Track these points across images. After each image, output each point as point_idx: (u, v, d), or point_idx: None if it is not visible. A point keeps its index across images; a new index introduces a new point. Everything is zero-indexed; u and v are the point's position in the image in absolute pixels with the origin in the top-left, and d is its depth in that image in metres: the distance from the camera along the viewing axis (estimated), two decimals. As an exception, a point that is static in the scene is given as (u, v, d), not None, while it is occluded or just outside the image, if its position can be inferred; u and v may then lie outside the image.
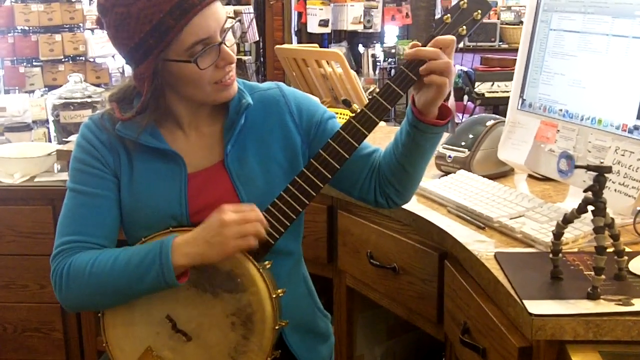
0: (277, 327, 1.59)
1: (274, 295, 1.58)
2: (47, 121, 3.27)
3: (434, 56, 1.50)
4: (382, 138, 2.65)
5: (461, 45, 7.04)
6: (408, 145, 1.59)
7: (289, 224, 1.57)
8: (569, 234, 1.58)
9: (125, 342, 1.61)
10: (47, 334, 2.70)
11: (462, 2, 1.57)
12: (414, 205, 1.93)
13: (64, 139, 2.98)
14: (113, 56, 4.43)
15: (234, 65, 1.59)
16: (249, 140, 1.66)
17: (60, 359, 2.72)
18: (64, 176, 2.63)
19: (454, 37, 1.53)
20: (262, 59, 5.81)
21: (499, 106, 6.36)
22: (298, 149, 1.69)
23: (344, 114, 2.80)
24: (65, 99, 3.02)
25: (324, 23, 5.54)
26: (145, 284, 1.52)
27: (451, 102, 1.58)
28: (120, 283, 1.53)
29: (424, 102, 1.54)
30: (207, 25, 1.49)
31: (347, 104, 1.60)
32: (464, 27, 1.55)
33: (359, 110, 1.55)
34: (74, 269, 1.55)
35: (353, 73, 3.06)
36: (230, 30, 1.57)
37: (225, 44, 1.53)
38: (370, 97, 1.56)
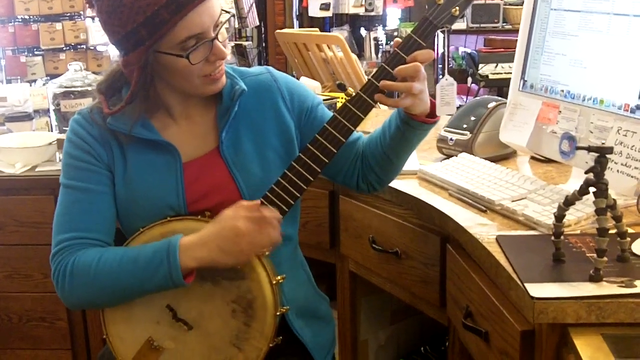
0: (278, 313, 1.59)
1: (274, 282, 1.58)
2: (49, 110, 3.26)
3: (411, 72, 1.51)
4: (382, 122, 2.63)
5: (464, 26, 7.04)
6: (396, 138, 1.63)
7: (287, 210, 1.56)
8: (571, 216, 1.56)
9: (125, 333, 1.61)
10: (52, 324, 2.70)
11: None
12: (415, 189, 1.92)
13: (64, 128, 2.97)
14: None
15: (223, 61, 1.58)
16: (242, 127, 1.66)
17: (66, 348, 2.72)
18: (66, 165, 2.62)
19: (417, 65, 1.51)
20: (264, 44, 5.79)
21: (503, 88, 6.33)
22: (292, 134, 1.70)
23: (345, 99, 2.79)
24: (66, 87, 3.00)
25: (325, 7, 5.51)
26: (153, 284, 1.52)
27: (448, 81, 1.58)
28: (127, 282, 1.53)
29: (407, 110, 1.58)
30: (202, 21, 1.48)
31: (342, 87, 1.59)
32: (457, 7, 1.55)
33: (354, 94, 1.55)
34: (78, 267, 1.54)
35: (354, 56, 3.05)
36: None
37: (217, 39, 1.52)
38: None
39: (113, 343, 1.61)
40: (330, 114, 1.69)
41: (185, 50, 1.49)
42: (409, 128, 1.60)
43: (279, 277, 1.60)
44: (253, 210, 1.51)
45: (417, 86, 1.51)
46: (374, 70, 1.57)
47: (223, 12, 1.54)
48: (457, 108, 2.18)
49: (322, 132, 1.55)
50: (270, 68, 1.76)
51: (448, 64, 7.15)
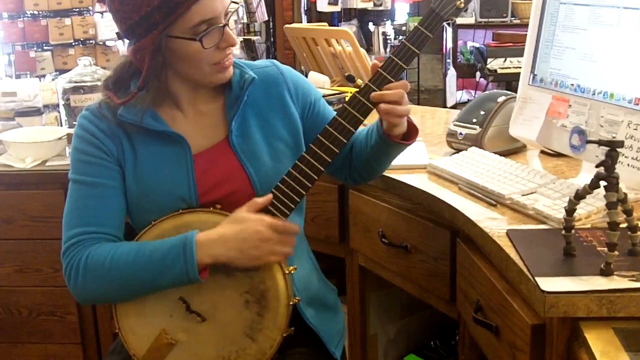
0: (291, 303, 1.60)
1: (287, 272, 1.59)
2: (58, 105, 3.27)
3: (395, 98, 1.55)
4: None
5: (472, 21, 7.02)
6: (375, 148, 1.68)
7: (299, 200, 1.58)
8: (581, 210, 1.56)
9: (138, 326, 1.61)
10: (62, 318, 2.70)
11: None
12: (425, 183, 1.92)
13: (74, 123, 2.98)
14: (123, 39, 4.42)
15: (233, 48, 1.60)
16: (250, 117, 1.67)
17: (76, 342, 2.73)
18: (75, 160, 2.62)
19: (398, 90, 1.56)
20: (272, 39, 5.79)
21: (511, 82, 6.31)
22: (299, 125, 1.72)
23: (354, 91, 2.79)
24: (75, 82, 3.01)
25: (333, 1, 5.51)
26: (167, 279, 1.53)
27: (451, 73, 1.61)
28: (141, 277, 1.54)
29: (386, 127, 1.61)
30: (214, 6, 1.51)
31: (350, 79, 1.61)
32: (462, 0, 1.58)
33: (363, 85, 1.57)
34: (91, 261, 1.54)
35: (363, 51, 3.04)
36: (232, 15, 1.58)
37: (228, 26, 1.54)
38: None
39: (125, 337, 1.61)
40: (330, 108, 1.77)
41: (197, 35, 1.51)
42: (386, 144, 1.65)
43: (290, 268, 1.61)
44: (276, 219, 1.55)
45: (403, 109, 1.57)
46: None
47: (232, 2, 1.58)
48: (466, 102, 2.17)
49: (332, 123, 1.57)
50: (275, 61, 1.78)
51: (456, 59, 7.14)
